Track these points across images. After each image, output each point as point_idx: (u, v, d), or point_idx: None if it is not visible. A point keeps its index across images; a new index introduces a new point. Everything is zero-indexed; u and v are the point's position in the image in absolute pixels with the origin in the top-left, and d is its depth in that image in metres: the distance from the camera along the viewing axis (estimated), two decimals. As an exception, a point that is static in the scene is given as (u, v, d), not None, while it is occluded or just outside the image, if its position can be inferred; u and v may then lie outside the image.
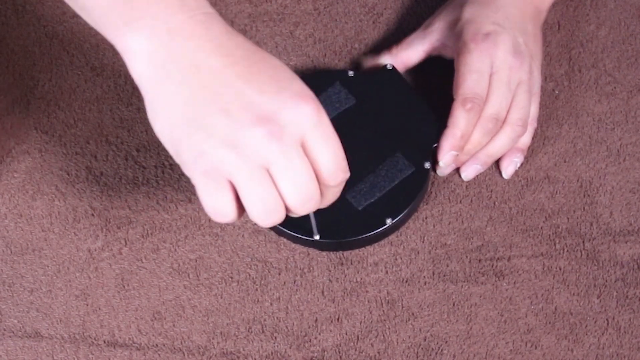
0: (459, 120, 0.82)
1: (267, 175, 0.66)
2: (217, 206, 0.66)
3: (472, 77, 0.82)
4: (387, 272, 0.83)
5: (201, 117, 0.65)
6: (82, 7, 0.69)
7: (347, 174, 0.69)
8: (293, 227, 0.82)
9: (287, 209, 0.68)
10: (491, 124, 0.82)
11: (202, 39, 0.66)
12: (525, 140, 0.86)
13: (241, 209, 0.67)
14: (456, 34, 0.85)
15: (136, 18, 0.66)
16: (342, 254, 0.84)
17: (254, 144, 0.64)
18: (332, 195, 0.70)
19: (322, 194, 0.68)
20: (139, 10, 0.66)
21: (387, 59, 0.89)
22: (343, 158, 0.68)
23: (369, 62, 0.90)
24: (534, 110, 0.86)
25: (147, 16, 0.66)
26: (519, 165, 0.86)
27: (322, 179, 0.67)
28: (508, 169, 0.86)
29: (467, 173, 0.86)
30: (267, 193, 0.66)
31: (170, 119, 0.66)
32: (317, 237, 0.82)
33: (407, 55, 0.89)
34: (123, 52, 0.67)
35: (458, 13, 0.86)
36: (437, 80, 0.90)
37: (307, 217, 0.78)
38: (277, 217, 0.67)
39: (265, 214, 0.67)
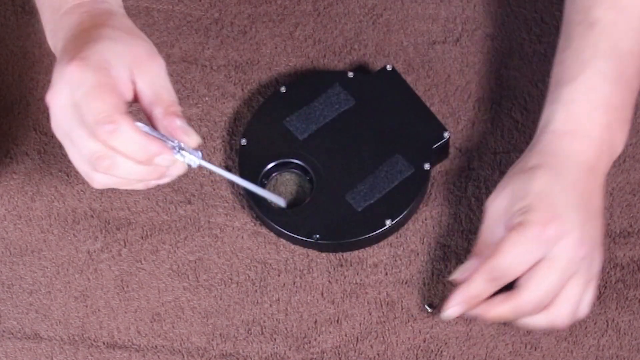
0: (477, 284, 0.75)
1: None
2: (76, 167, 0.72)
3: (515, 255, 0.74)
4: (386, 274, 0.83)
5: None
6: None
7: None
8: (293, 228, 0.82)
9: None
10: (523, 307, 0.75)
11: (63, 31, 0.74)
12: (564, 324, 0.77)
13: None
14: (526, 204, 0.75)
15: (43, 25, 0.78)
16: (342, 256, 0.84)
17: (52, 115, 0.71)
18: None
19: None
20: (43, 17, 0.78)
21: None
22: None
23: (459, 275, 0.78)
24: (588, 298, 0.77)
25: (44, 21, 0.78)
26: None
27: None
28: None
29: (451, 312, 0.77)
30: (76, 156, 0.71)
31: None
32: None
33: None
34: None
35: (527, 181, 0.76)
36: (437, 81, 0.89)
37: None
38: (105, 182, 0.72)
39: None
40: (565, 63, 0.80)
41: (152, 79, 0.71)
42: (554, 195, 0.75)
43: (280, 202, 0.82)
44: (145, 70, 0.70)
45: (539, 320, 0.76)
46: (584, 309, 0.77)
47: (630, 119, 0.80)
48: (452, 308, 0.76)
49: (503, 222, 0.76)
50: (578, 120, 0.78)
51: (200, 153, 0.72)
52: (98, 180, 0.71)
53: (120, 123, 0.68)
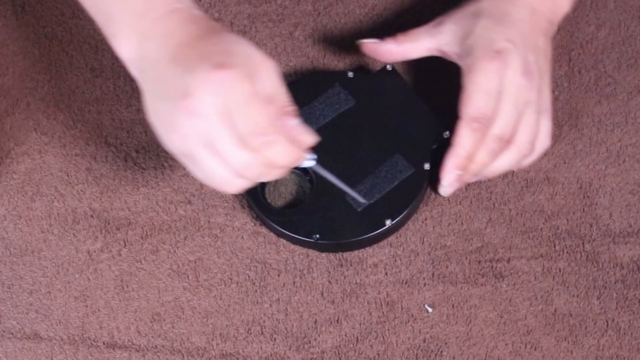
0: (465, 139, 0.80)
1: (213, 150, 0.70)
2: (206, 177, 0.72)
3: (480, 97, 0.80)
4: (386, 274, 0.83)
5: (162, 112, 0.71)
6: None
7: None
8: (293, 228, 0.83)
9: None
10: (496, 144, 0.80)
11: (164, 38, 0.71)
12: (532, 160, 0.84)
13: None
14: (467, 47, 0.82)
15: (116, 31, 0.73)
16: (342, 256, 0.84)
17: (186, 125, 0.69)
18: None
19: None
20: (116, 23, 0.73)
21: (391, 45, 0.86)
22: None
23: (370, 45, 0.87)
24: (545, 127, 0.83)
25: (123, 27, 0.73)
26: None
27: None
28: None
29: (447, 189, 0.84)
30: (217, 165, 0.71)
31: (150, 117, 0.72)
32: (363, 201, 0.83)
33: (411, 47, 0.86)
34: (119, 55, 0.74)
35: (471, 23, 0.83)
36: (437, 81, 0.89)
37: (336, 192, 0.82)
38: (239, 186, 0.73)
39: (220, 183, 0.72)
40: None
41: (267, 81, 0.71)
42: (493, 35, 0.81)
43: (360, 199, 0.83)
44: (262, 73, 0.71)
45: (506, 160, 0.81)
46: (544, 139, 0.83)
47: None
48: (449, 174, 0.81)
49: (429, 39, 0.85)
50: None
51: (315, 155, 0.77)
52: (238, 185, 0.72)
53: (276, 135, 0.70)
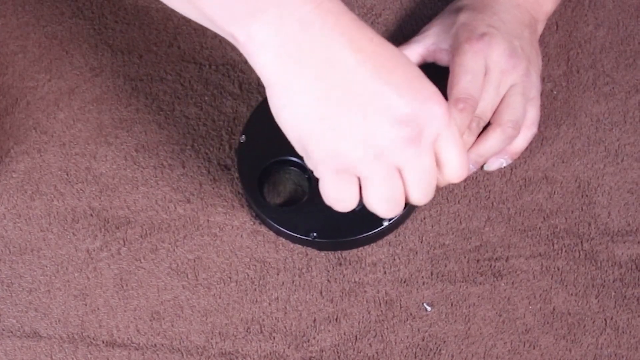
0: (457, 122, 0.80)
1: (398, 175, 0.69)
2: (342, 199, 0.70)
3: (465, 78, 0.80)
4: (385, 273, 0.83)
5: (336, 116, 0.65)
6: (189, 0, 0.67)
7: (469, 172, 0.75)
8: (291, 226, 0.83)
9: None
10: (474, 122, 0.81)
11: (334, 32, 0.65)
12: (519, 143, 0.85)
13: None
14: (451, 37, 0.84)
15: (262, 9, 0.64)
16: (341, 254, 0.84)
17: (392, 147, 0.66)
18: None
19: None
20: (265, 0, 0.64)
21: None
22: (467, 156, 0.72)
23: None
24: (533, 114, 0.84)
25: (274, 6, 0.64)
26: (504, 165, 0.85)
27: (446, 177, 0.71)
28: (492, 165, 0.85)
29: None
30: (396, 192, 0.69)
31: (299, 114, 0.66)
32: (385, 223, 0.82)
33: None
34: (244, 43, 0.65)
35: (454, 17, 0.85)
36: (438, 81, 0.89)
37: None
38: (397, 211, 0.71)
39: (389, 209, 0.71)
40: None
41: None
42: (475, 22, 0.83)
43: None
44: None
45: (492, 141, 0.82)
46: (531, 125, 0.84)
47: None
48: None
49: (418, 48, 0.86)
50: None
51: None
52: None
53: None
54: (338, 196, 0.70)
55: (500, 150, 0.84)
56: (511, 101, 0.82)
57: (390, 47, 0.68)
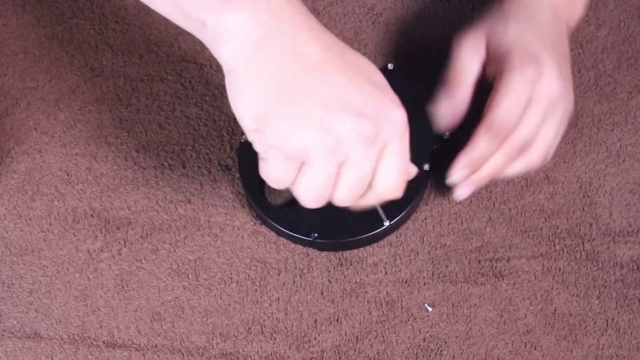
0: (481, 143, 0.78)
1: (336, 171, 0.68)
2: (280, 180, 0.69)
3: (508, 103, 0.77)
4: (386, 273, 0.83)
5: (295, 103, 0.66)
6: None
7: (399, 195, 0.71)
8: (292, 227, 0.83)
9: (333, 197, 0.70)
10: (516, 150, 0.78)
11: (302, 26, 0.67)
12: (536, 166, 0.82)
13: None
14: (503, 52, 0.79)
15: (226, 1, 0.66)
16: (342, 255, 0.84)
17: (350, 138, 0.66)
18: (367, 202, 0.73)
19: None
20: None
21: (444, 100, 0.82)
22: (404, 179, 0.70)
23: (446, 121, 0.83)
24: (557, 141, 0.81)
25: None
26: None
27: (377, 186, 0.70)
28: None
29: (462, 191, 0.82)
30: (326, 185, 0.68)
31: (260, 100, 0.66)
32: (386, 223, 0.82)
33: (461, 81, 0.81)
34: (214, 28, 0.66)
35: (503, 27, 0.80)
36: (437, 81, 0.89)
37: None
38: (317, 205, 0.70)
39: (313, 199, 0.70)
40: None
41: None
42: (527, 39, 0.78)
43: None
44: None
45: (518, 165, 0.79)
46: (551, 153, 0.81)
47: None
48: (459, 172, 0.79)
49: (477, 60, 0.80)
50: None
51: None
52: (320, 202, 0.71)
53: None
54: (278, 177, 0.69)
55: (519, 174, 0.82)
56: (547, 130, 0.79)
57: (355, 52, 0.69)
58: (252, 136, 0.68)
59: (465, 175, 0.80)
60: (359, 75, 0.67)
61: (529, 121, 0.78)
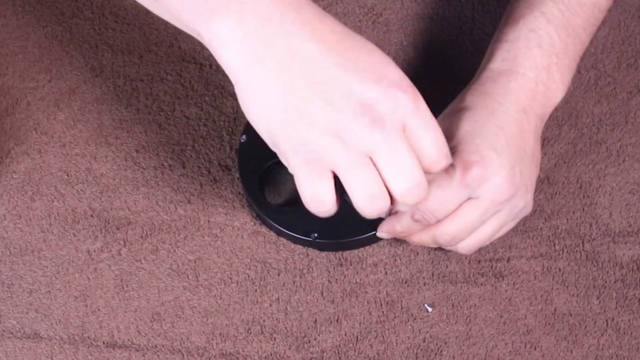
0: (404, 222, 0.76)
1: (371, 163, 0.67)
2: (318, 195, 0.68)
3: (439, 199, 0.74)
4: (386, 273, 0.83)
5: (302, 106, 0.65)
6: (156, 0, 0.68)
7: (450, 160, 0.70)
8: (292, 227, 0.82)
9: (393, 199, 0.68)
10: (442, 238, 0.77)
11: (294, 24, 0.65)
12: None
13: (339, 199, 0.69)
14: (451, 148, 0.74)
15: (222, 4, 0.65)
16: (342, 255, 0.84)
17: (357, 133, 0.65)
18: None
19: None
20: None
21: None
22: (444, 143, 0.69)
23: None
24: (503, 231, 0.79)
25: (234, 2, 0.65)
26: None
27: (425, 166, 0.68)
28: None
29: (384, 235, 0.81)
30: (371, 180, 0.67)
31: (267, 107, 0.66)
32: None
33: None
34: (209, 40, 0.66)
35: (456, 123, 0.77)
36: (438, 82, 0.90)
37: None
38: (382, 204, 0.68)
39: (370, 200, 0.68)
40: (514, 5, 0.81)
41: None
42: (480, 137, 0.75)
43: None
44: None
45: (445, 245, 0.78)
46: (490, 240, 0.79)
47: (573, 68, 0.80)
48: (381, 233, 0.79)
49: None
50: (515, 59, 0.78)
51: None
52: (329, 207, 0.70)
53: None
54: (313, 191, 0.67)
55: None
56: (485, 231, 0.77)
57: (353, 35, 0.68)
58: (273, 149, 0.68)
59: (388, 237, 0.80)
60: (357, 62, 0.66)
61: (463, 216, 0.76)
